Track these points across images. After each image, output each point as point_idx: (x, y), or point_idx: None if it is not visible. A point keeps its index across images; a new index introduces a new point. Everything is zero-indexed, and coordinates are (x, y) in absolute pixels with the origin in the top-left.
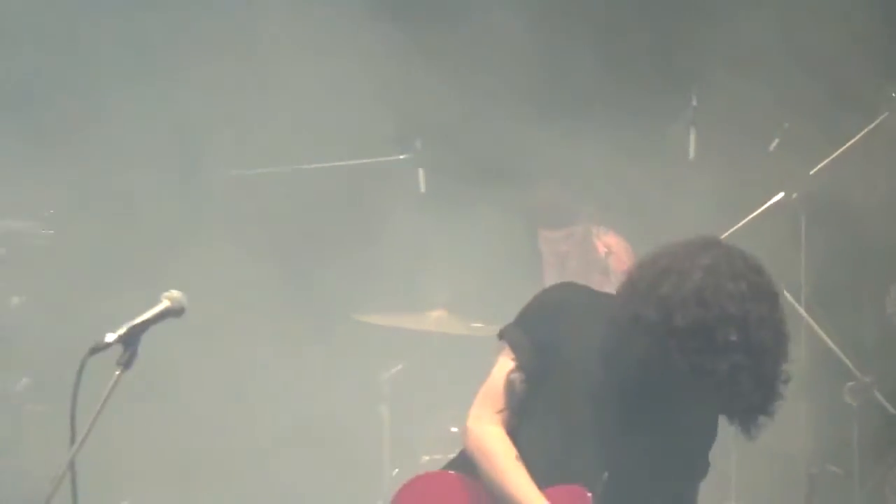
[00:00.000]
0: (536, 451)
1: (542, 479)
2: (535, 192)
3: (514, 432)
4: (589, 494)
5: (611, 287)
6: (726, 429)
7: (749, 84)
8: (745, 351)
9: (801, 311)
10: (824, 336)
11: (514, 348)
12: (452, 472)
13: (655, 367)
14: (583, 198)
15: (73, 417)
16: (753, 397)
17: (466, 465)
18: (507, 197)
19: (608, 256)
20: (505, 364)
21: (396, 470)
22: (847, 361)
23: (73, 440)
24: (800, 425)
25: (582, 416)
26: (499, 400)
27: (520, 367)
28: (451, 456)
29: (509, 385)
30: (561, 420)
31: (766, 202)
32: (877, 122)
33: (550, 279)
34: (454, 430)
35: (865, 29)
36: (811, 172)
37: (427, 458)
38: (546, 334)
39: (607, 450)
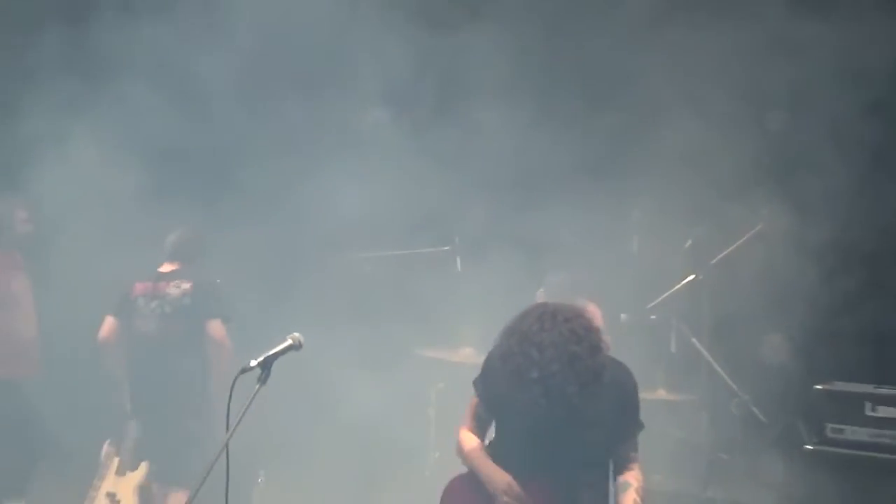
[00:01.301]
0: (499, 451)
1: (511, 469)
2: (550, 277)
3: (486, 439)
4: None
5: None
6: (649, 427)
7: (673, 198)
8: (542, 383)
9: (704, 351)
10: (719, 368)
11: (477, 392)
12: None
13: (511, 398)
14: (578, 278)
15: (228, 415)
16: (555, 416)
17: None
18: (515, 269)
19: None
20: (475, 400)
21: (438, 453)
22: (733, 385)
23: (227, 429)
24: (702, 426)
25: (514, 426)
26: (473, 420)
27: (480, 401)
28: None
29: (477, 411)
30: (506, 430)
31: (682, 281)
32: (753, 231)
33: None
34: None
35: (748, 162)
36: (712, 262)
37: None
38: (490, 381)
39: (534, 446)
